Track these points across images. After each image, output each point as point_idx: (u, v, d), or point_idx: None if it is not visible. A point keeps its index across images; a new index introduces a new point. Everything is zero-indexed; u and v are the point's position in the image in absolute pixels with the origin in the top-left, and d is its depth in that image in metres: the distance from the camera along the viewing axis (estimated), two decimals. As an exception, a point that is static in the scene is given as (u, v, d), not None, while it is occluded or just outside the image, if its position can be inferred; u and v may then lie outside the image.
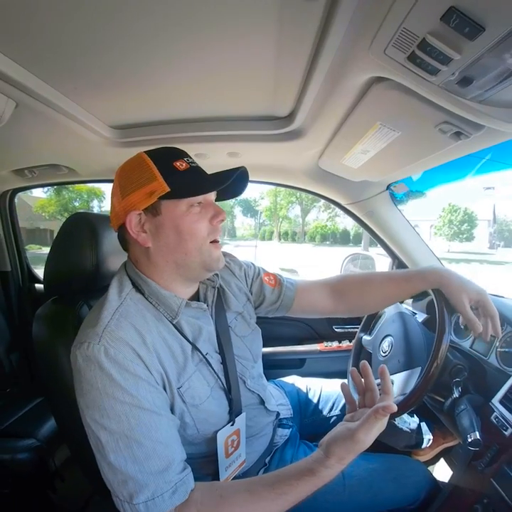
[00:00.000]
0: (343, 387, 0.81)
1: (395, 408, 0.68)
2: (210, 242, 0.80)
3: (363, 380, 0.80)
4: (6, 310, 2.12)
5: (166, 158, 0.78)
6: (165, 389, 0.73)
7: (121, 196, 0.77)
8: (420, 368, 1.03)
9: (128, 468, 0.63)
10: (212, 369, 0.83)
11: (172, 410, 0.74)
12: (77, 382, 0.68)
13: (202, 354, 0.81)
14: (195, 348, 0.81)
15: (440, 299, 1.00)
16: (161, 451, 0.66)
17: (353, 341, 1.29)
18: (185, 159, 0.79)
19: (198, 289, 0.91)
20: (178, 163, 0.77)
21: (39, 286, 2.25)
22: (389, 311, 1.27)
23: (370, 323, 1.34)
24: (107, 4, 0.64)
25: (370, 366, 0.87)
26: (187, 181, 0.76)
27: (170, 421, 0.71)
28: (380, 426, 0.70)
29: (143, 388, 0.67)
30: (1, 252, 2.13)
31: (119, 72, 0.88)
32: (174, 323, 0.79)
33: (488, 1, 0.48)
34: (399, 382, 1.02)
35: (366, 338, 1.28)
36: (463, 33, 0.53)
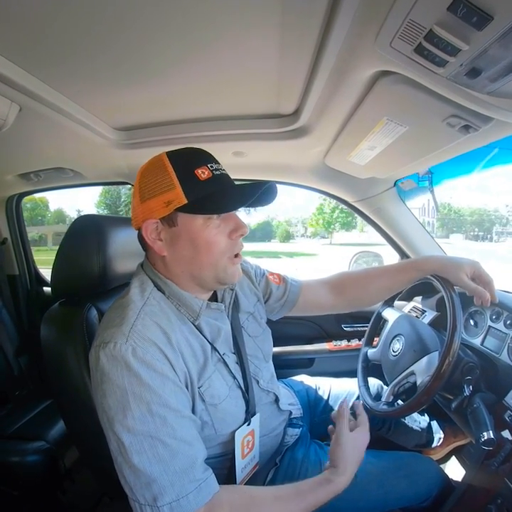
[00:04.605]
0: (329, 430, 0.94)
1: (345, 406, 0.92)
2: (228, 258, 0.78)
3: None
4: (15, 313, 2.13)
5: (188, 164, 0.74)
6: (187, 388, 0.73)
7: (140, 200, 0.76)
8: (437, 351, 1.01)
9: (153, 469, 0.62)
10: (230, 369, 0.84)
11: (193, 410, 0.74)
12: (98, 383, 0.66)
13: (219, 354, 0.82)
14: (213, 348, 0.81)
15: (448, 288, 1.00)
16: (186, 450, 0.65)
17: (359, 359, 1.27)
18: (209, 166, 0.75)
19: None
20: (199, 171, 0.73)
21: (47, 289, 2.27)
22: (392, 317, 1.26)
23: (372, 336, 1.32)
24: (109, 7, 0.64)
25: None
26: (207, 194, 0.72)
27: (192, 421, 0.71)
28: (349, 427, 0.88)
29: (169, 388, 0.67)
30: (9, 256, 2.14)
31: (122, 74, 0.87)
32: (196, 324, 0.79)
33: None
34: (422, 367, 1.00)
35: (372, 351, 1.26)
36: (471, 22, 0.51)
